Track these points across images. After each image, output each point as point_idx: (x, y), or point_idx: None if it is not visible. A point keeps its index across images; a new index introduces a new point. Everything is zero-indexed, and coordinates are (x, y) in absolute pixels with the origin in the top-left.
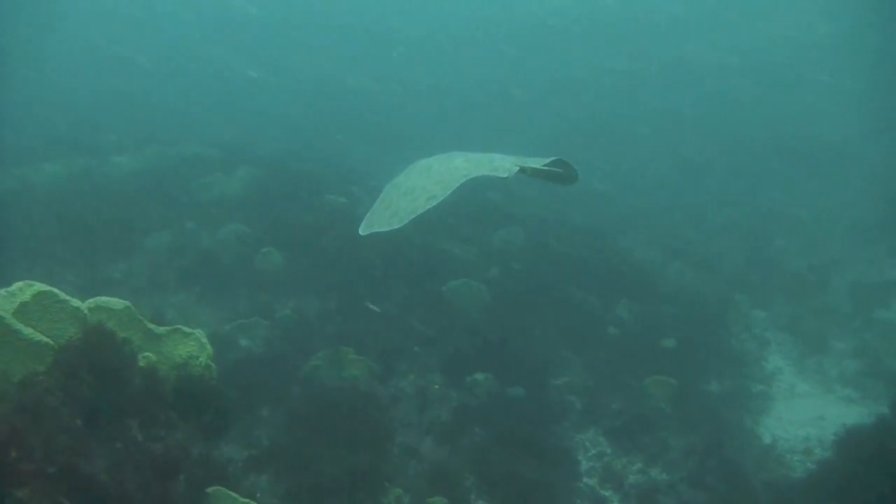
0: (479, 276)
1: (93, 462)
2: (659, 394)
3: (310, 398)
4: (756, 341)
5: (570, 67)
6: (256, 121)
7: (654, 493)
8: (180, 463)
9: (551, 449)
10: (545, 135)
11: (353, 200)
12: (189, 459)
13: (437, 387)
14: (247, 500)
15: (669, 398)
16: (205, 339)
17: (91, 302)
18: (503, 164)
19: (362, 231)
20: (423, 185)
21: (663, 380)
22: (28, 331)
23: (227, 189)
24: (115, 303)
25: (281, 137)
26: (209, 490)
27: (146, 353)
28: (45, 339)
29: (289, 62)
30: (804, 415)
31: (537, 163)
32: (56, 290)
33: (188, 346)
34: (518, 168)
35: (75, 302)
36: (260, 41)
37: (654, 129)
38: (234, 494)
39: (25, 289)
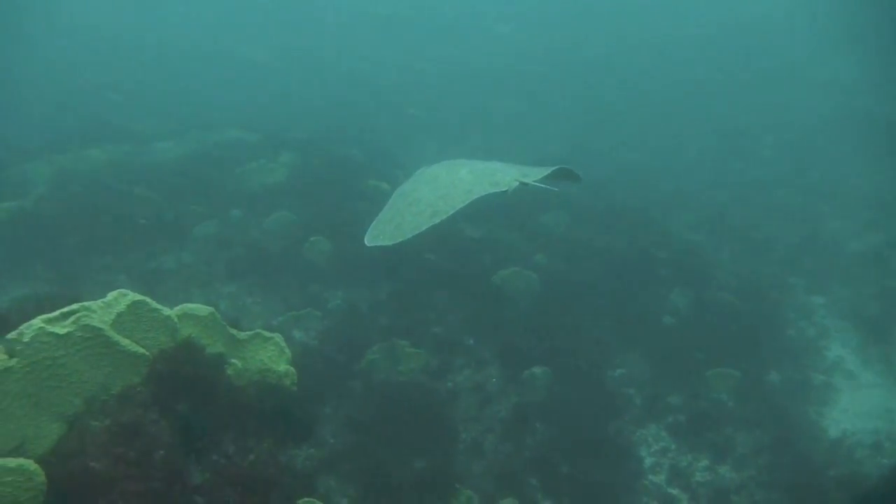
0: (526, 263)
1: (192, 477)
2: (721, 386)
3: (370, 394)
4: (815, 329)
5: (595, 42)
6: (284, 104)
7: (726, 493)
8: (271, 474)
9: (614, 445)
10: (576, 112)
11: (397, 186)
12: (278, 470)
13: (494, 381)
14: None
15: (732, 391)
16: (283, 344)
17: (178, 309)
18: (504, 178)
19: (368, 242)
20: (428, 197)
21: (725, 372)
22: (126, 342)
23: (271, 176)
24: (201, 309)
25: (314, 120)
26: (299, 503)
27: (232, 361)
28: (141, 350)
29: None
30: (871, 407)
31: (538, 174)
32: (148, 300)
33: (268, 350)
34: (518, 182)
35: (166, 310)
36: (273, 25)
37: (688, 104)
38: None
39: (120, 299)
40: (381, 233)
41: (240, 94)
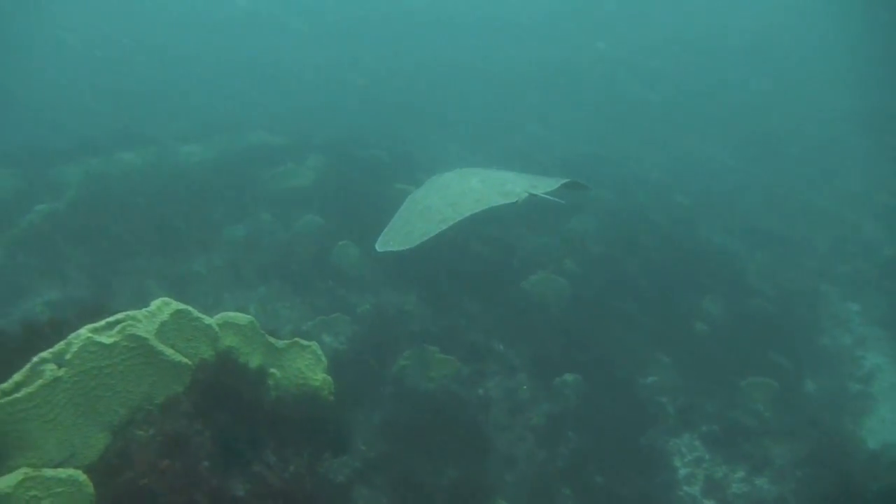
0: (554, 269)
1: (235, 489)
2: (757, 396)
3: (402, 401)
4: (850, 336)
5: (616, 44)
6: (308, 107)
7: None
8: (310, 486)
9: (647, 454)
10: (599, 115)
11: None
12: (317, 481)
13: (524, 388)
14: None
15: (769, 401)
16: (320, 352)
17: (219, 318)
18: (515, 189)
19: (379, 248)
20: (438, 205)
21: (762, 381)
22: (170, 352)
23: (299, 179)
24: (240, 318)
25: (338, 123)
26: None
27: (272, 370)
28: (184, 359)
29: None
30: None
31: (549, 186)
32: (190, 308)
33: (305, 359)
34: (527, 194)
35: (207, 319)
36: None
37: (712, 107)
38: None
39: (164, 308)
40: (392, 239)
41: (264, 98)
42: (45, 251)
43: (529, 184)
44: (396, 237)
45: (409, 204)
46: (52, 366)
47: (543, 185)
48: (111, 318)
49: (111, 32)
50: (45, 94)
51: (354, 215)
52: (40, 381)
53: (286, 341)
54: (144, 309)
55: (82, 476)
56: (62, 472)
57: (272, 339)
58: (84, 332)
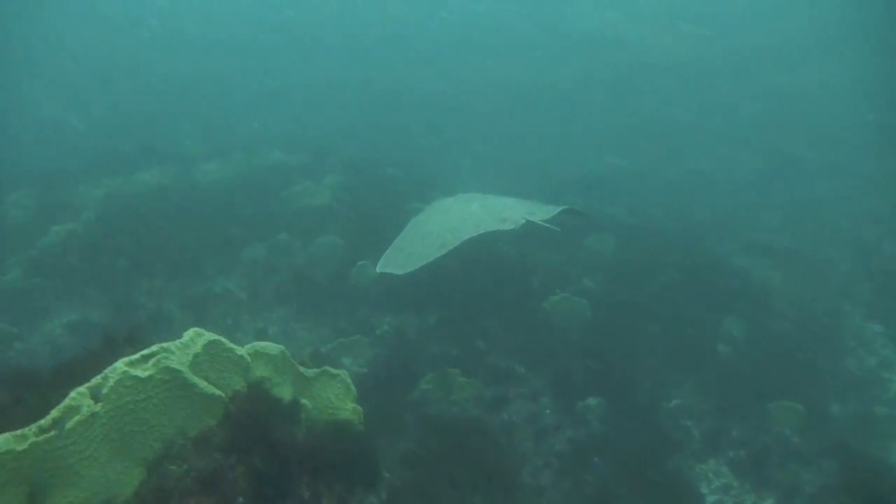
0: (573, 289)
1: None
2: (784, 420)
3: (424, 426)
4: (875, 358)
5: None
6: (323, 125)
7: None
8: None
9: (673, 480)
10: (620, 130)
11: None
12: None
13: (548, 412)
14: None
15: (795, 425)
16: (349, 381)
17: (249, 348)
18: (513, 215)
19: (379, 270)
20: (438, 230)
21: (788, 405)
22: (203, 384)
23: (317, 198)
24: (271, 348)
25: (354, 141)
26: None
27: (303, 401)
28: (217, 392)
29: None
30: None
31: (547, 213)
32: (223, 339)
33: (335, 388)
34: (524, 220)
35: (240, 350)
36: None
37: (732, 125)
38: None
39: (197, 339)
40: (394, 261)
41: (279, 116)
42: (64, 273)
43: (528, 210)
44: (398, 260)
45: (413, 227)
46: (88, 401)
47: (541, 212)
48: (146, 351)
49: (125, 55)
50: (61, 116)
51: (373, 235)
52: (78, 417)
53: (316, 370)
54: (178, 340)
55: None
56: None
57: (302, 369)
58: (120, 365)
